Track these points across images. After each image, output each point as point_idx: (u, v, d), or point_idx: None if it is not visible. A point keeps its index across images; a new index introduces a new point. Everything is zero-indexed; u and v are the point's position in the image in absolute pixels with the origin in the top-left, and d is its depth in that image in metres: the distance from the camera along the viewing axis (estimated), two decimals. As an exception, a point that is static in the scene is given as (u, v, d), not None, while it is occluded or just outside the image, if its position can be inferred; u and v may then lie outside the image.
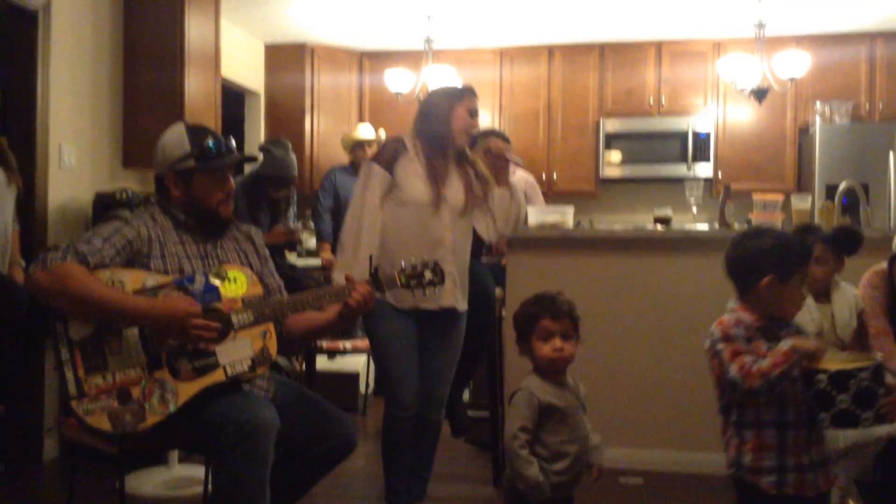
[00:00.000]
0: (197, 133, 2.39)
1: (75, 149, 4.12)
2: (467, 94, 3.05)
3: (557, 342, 2.21)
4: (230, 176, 2.42)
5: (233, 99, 6.32)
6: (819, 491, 2.04)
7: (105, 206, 4.04)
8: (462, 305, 3.07)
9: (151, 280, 2.22)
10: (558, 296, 2.28)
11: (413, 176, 2.94)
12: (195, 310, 2.15)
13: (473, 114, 3.02)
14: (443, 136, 2.97)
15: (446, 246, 2.94)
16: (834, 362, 1.95)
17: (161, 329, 2.13)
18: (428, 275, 2.44)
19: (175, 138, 2.38)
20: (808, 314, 3.20)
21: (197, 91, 4.57)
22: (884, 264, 3.33)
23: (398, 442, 2.99)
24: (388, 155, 2.99)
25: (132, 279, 2.20)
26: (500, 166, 3.26)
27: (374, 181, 2.96)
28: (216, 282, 2.27)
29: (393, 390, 2.96)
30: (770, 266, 2.06)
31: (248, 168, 5.02)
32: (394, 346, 2.94)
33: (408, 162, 2.96)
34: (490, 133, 3.89)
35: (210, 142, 2.36)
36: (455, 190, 2.99)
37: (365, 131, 5.82)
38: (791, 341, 1.95)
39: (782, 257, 2.08)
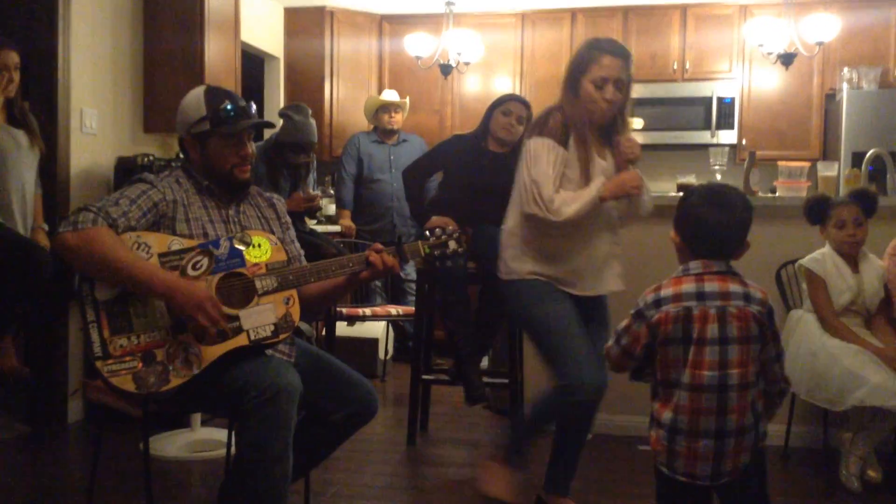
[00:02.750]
0: (215, 96, 2.38)
1: (96, 113, 4.13)
2: (596, 58, 2.54)
3: None
4: (247, 140, 2.41)
5: (252, 64, 6.29)
6: None
7: (127, 171, 4.06)
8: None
9: (177, 244, 2.23)
10: None
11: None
12: (215, 300, 2.15)
13: (602, 83, 2.53)
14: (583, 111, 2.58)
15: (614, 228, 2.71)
16: None
17: (177, 305, 2.13)
18: (452, 245, 2.43)
19: (193, 101, 2.38)
20: (844, 281, 3.17)
21: (217, 56, 4.55)
22: (911, 233, 3.29)
23: (574, 429, 2.72)
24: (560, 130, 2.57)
25: (158, 242, 2.21)
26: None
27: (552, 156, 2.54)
28: (240, 247, 2.27)
29: (575, 374, 2.55)
30: None
31: (268, 133, 5.02)
32: (571, 327, 2.60)
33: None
34: (509, 98, 3.84)
35: (227, 105, 2.35)
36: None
37: (390, 94, 5.79)
38: None
39: None
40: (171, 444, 3.53)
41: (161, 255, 2.20)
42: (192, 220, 2.31)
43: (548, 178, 2.51)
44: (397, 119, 5.69)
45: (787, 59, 5.39)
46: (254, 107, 2.46)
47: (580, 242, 2.62)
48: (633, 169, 2.60)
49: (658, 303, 1.96)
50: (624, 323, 2.03)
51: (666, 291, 1.97)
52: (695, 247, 2.01)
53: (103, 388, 2.20)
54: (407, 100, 5.82)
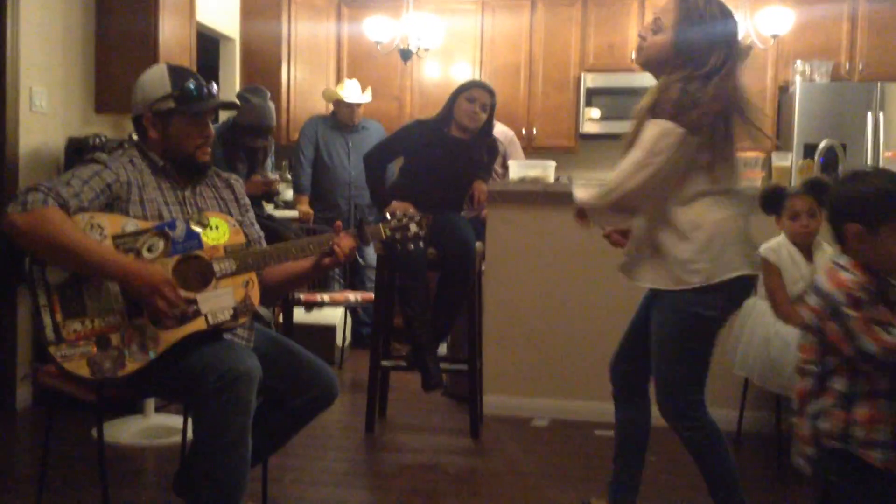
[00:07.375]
0: (179, 74, 2.33)
1: (46, 92, 4.01)
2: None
3: None
4: (209, 121, 2.37)
5: (208, 45, 6.18)
6: None
7: (77, 152, 3.95)
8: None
9: (131, 225, 2.17)
10: None
11: None
12: (172, 283, 2.11)
13: None
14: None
15: None
16: None
17: (133, 289, 2.09)
18: (413, 227, 2.42)
19: (156, 78, 2.31)
20: (798, 270, 3.23)
21: (171, 36, 4.45)
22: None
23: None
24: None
25: (112, 224, 2.15)
26: None
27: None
28: (197, 229, 2.22)
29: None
30: (858, 212, 1.91)
31: (224, 116, 4.93)
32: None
33: None
34: (474, 84, 3.82)
35: (192, 84, 2.30)
36: None
37: (351, 93, 5.63)
38: None
39: (872, 204, 1.90)
40: (125, 431, 3.46)
41: (115, 237, 2.14)
42: (146, 201, 2.25)
43: None
44: (358, 114, 5.63)
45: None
46: (216, 87, 2.41)
47: None
48: None
49: None
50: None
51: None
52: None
53: (56, 373, 2.15)
54: (369, 92, 5.73)
